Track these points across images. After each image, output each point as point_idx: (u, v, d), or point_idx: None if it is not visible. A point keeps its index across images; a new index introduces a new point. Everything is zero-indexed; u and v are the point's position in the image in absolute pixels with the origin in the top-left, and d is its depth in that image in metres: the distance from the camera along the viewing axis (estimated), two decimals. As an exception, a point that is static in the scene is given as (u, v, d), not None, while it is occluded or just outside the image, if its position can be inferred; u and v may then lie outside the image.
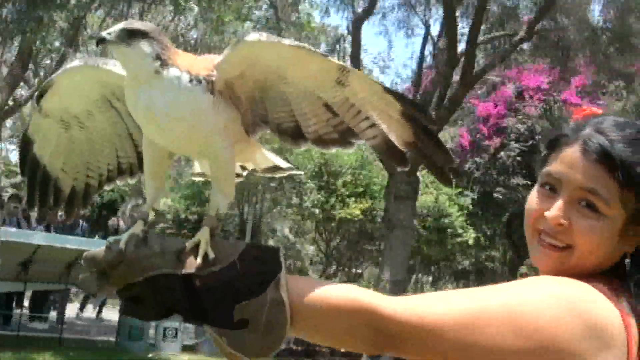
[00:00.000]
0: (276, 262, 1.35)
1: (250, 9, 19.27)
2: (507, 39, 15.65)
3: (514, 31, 15.28)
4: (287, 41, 1.44)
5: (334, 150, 1.58)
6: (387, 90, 1.48)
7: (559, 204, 1.41)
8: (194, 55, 1.53)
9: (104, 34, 1.46)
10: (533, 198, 1.48)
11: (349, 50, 16.72)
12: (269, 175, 1.82)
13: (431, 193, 19.52)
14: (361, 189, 19.58)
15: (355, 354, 12.91)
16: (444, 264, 22.85)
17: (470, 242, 19.96)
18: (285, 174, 1.81)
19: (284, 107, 1.55)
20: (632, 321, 1.32)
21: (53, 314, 13.49)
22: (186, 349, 12.07)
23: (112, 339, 12.06)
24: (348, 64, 1.44)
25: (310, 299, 1.34)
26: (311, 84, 1.50)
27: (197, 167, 1.85)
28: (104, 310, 15.53)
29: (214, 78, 1.46)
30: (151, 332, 11.93)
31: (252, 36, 1.44)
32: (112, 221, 16.08)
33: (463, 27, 16.18)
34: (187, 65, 1.46)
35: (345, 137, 1.54)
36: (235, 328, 1.32)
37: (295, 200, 19.57)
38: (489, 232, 21.65)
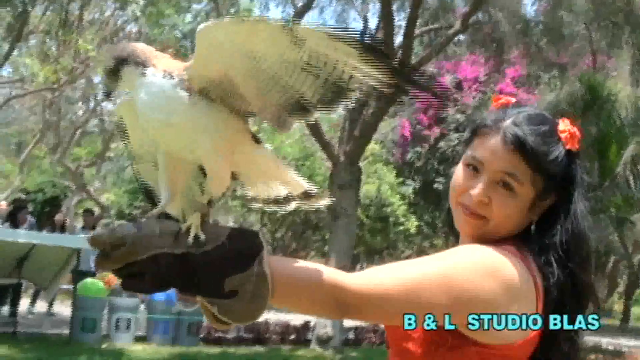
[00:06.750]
0: (258, 242, 1.57)
1: (190, 3, 19.21)
2: (443, 31, 15.94)
3: (449, 24, 15.59)
4: (226, 19, 1.51)
5: (340, 110, 1.57)
6: (335, 36, 1.47)
7: (482, 184, 1.73)
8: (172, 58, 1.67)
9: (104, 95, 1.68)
10: (458, 175, 1.79)
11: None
12: (303, 203, 1.84)
13: (373, 183, 19.77)
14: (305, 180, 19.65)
15: (304, 340, 13.21)
16: (387, 252, 23.13)
17: (413, 230, 20.26)
18: (317, 203, 1.84)
19: (276, 87, 1.58)
20: (539, 276, 1.68)
21: (5, 309, 13.26)
22: (139, 339, 12.06)
23: (65, 331, 11.90)
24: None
25: (287, 274, 1.59)
26: (275, 54, 1.54)
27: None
28: (55, 304, 15.41)
29: (185, 77, 1.57)
30: (104, 324, 11.90)
31: (200, 26, 1.53)
32: (59, 216, 16.12)
33: (400, 20, 16.47)
34: (163, 65, 1.61)
35: (341, 92, 1.54)
36: (225, 298, 1.54)
37: (239, 192, 19.48)
38: (430, 221, 22.03)
